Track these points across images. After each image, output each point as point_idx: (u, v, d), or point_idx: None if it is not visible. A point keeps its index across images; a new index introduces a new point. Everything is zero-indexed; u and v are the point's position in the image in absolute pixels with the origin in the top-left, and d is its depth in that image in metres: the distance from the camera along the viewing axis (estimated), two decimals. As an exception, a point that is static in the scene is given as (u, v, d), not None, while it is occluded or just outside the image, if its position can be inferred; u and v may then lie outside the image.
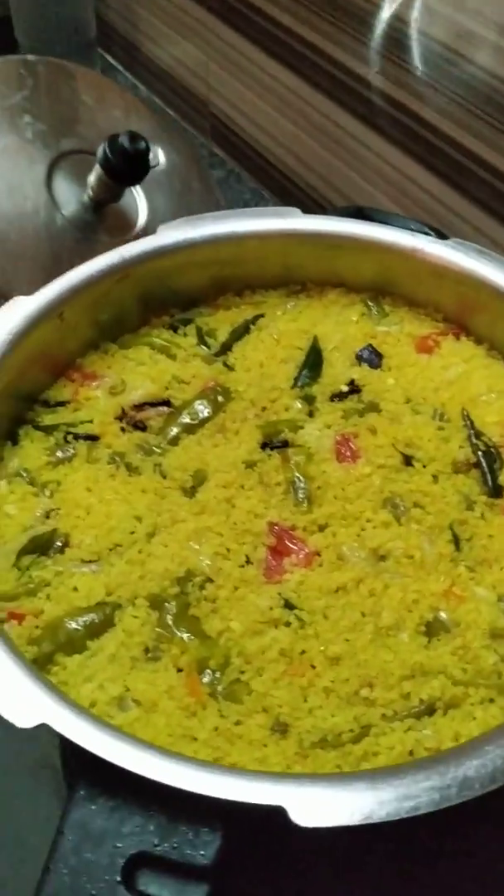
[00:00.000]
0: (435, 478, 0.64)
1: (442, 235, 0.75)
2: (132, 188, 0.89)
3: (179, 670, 0.55)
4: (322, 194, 1.16)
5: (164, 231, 0.72)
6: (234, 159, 1.30)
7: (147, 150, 0.80)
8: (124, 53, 1.48)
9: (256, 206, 1.23)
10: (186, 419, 0.67)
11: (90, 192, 0.84)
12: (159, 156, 0.91)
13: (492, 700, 0.54)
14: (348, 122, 1.05)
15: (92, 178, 0.84)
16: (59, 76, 0.92)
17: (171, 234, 0.72)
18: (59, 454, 0.66)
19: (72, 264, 0.69)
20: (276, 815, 0.44)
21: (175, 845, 0.46)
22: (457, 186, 0.95)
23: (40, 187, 0.84)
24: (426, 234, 0.75)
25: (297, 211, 0.74)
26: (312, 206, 1.17)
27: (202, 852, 0.45)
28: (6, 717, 0.47)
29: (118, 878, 0.45)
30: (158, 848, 0.46)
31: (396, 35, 0.93)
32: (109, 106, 0.93)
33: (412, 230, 0.75)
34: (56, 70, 0.92)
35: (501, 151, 0.88)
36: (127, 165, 0.80)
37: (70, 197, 0.85)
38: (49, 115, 0.88)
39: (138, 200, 0.91)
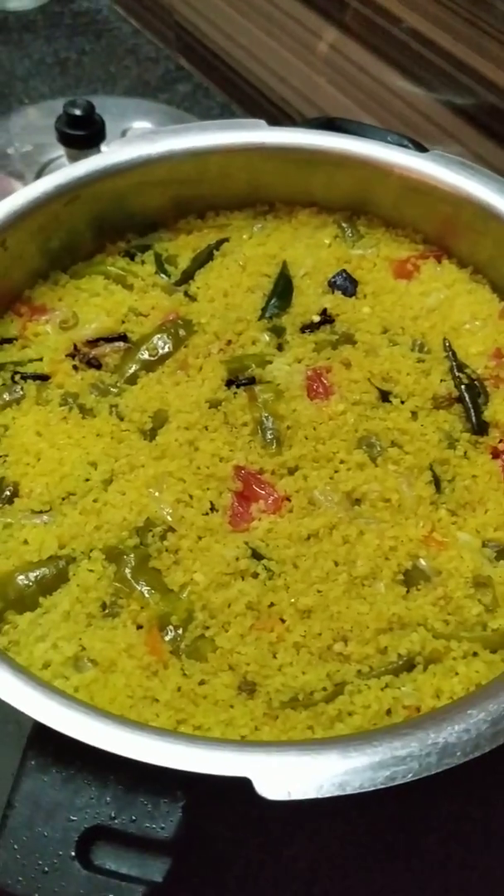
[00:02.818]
0: (414, 414, 0.59)
1: (422, 148, 0.69)
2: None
3: (139, 627, 0.51)
4: (295, 107, 1.08)
5: (117, 147, 0.65)
6: (201, 72, 1.21)
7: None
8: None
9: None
10: (145, 355, 0.62)
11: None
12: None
13: (475, 654, 0.51)
14: (322, 27, 0.97)
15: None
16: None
17: (126, 150, 0.65)
18: (6, 396, 0.60)
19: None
20: (241, 785, 0.41)
21: (133, 818, 0.42)
22: (439, 96, 0.88)
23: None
24: (405, 146, 0.69)
25: (263, 123, 0.68)
26: (284, 119, 1.10)
27: (162, 825, 0.42)
28: None
29: (72, 854, 0.42)
30: (115, 821, 0.42)
31: None
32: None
33: (389, 143, 0.69)
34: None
35: (488, 55, 0.81)
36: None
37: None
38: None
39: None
